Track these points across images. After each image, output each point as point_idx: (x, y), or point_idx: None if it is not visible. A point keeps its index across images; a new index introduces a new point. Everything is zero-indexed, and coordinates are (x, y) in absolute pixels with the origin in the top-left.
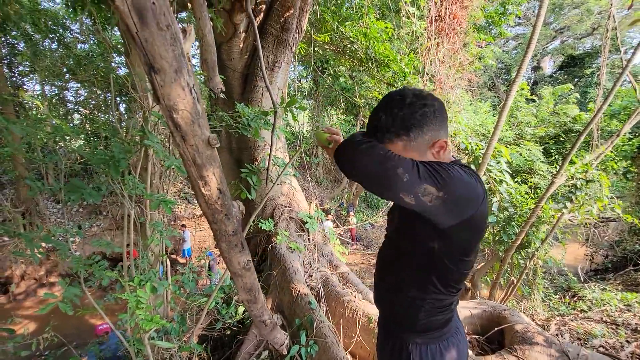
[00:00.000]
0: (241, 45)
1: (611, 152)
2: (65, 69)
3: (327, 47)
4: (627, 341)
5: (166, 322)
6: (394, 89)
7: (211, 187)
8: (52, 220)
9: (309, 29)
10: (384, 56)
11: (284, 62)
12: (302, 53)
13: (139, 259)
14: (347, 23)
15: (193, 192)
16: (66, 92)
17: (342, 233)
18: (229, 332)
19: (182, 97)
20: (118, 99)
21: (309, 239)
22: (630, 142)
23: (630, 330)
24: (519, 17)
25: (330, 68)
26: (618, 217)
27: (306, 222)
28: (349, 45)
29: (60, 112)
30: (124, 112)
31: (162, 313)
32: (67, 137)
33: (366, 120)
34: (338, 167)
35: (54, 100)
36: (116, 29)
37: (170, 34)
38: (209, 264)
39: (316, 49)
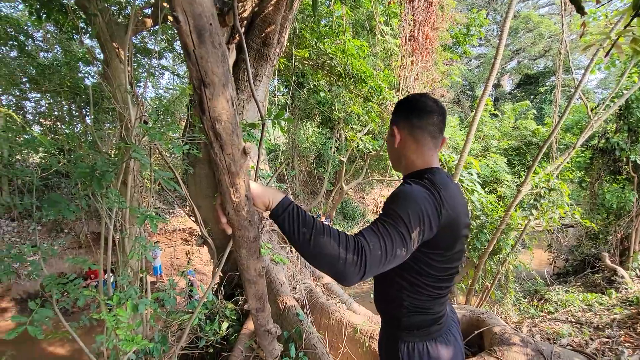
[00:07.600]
0: None
1: (567, 163)
2: (26, 78)
3: (306, 62)
4: (591, 338)
5: (148, 342)
6: (371, 103)
7: (241, 194)
8: (5, 240)
9: (289, 44)
10: (361, 72)
11: (265, 75)
12: (282, 67)
13: (119, 276)
14: (325, 40)
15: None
16: (26, 102)
17: None
18: (211, 350)
19: (226, 109)
20: (84, 110)
21: (291, 251)
22: (583, 154)
23: (592, 328)
24: (481, 38)
25: (308, 82)
26: (575, 224)
27: None
28: (328, 61)
29: (19, 124)
30: (90, 124)
31: (142, 333)
32: (25, 151)
33: (343, 133)
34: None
35: (10, 111)
36: (84, 37)
37: (222, 52)
38: (190, 281)
39: (295, 63)
